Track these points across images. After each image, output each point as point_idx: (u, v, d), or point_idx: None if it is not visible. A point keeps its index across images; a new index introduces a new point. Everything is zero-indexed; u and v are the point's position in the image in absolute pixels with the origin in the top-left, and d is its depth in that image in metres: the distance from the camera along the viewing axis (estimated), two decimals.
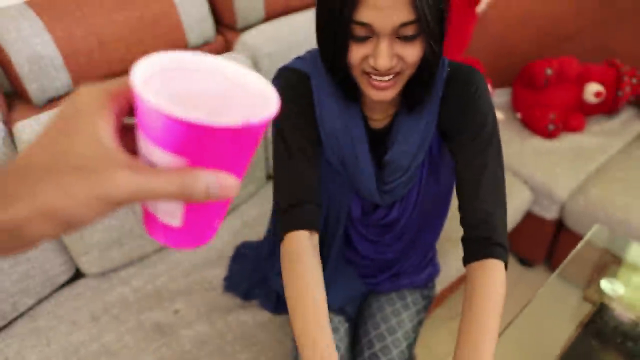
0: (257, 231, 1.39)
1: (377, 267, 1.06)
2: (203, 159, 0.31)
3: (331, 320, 1.01)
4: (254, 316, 1.21)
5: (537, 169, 1.69)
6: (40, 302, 1.24)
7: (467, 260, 0.80)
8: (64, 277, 1.28)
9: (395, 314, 1.05)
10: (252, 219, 1.47)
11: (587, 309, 0.99)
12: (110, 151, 0.30)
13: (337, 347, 0.97)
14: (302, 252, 0.78)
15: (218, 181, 0.31)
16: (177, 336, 1.17)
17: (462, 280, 1.79)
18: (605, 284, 1.04)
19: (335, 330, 1.01)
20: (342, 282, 1.04)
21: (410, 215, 0.94)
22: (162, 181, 0.30)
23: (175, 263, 1.35)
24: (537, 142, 1.79)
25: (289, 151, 0.82)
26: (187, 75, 0.33)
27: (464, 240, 0.82)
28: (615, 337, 0.94)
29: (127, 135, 0.33)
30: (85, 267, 1.28)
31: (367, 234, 0.97)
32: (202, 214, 0.35)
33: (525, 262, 1.88)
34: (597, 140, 1.80)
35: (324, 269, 0.99)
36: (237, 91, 0.34)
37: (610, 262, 1.11)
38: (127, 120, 0.33)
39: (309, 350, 0.69)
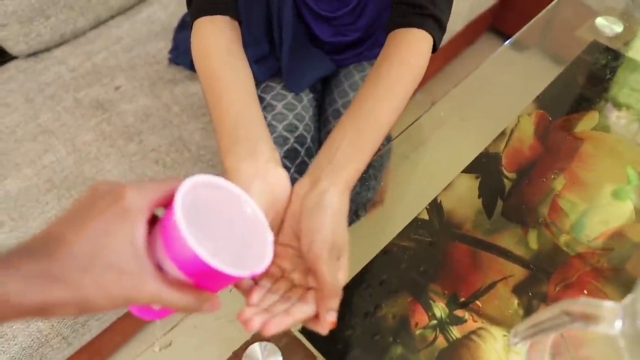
0: None
1: (341, 48, 0.91)
2: (206, 283, 0.38)
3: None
4: None
5: None
6: None
7: (390, 27, 0.64)
8: None
9: (364, 80, 0.92)
10: None
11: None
12: (142, 257, 0.34)
13: (302, 117, 0.86)
14: (214, 45, 0.61)
15: (213, 303, 0.38)
16: (118, 111, 1.06)
17: (443, 60, 1.64)
18: (601, 21, 0.89)
19: (298, 100, 0.89)
20: (308, 65, 0.90)
21: None
22: (178, 299, 0.35)
23: (115, 39, 1.19)
24: None
25: None
26: (210, 191, 0.40)
27: (393, 5, 0.66)
28: (604, 74, 0.82)
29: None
30: (9, 45, 1.12)
31: (318, 9, 0.81)
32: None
33: (517, 43, 1.71)
34: None
35: (281, 55, 0.84)
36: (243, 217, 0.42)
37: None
38: (157, 212, 0.38)
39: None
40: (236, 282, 0.40)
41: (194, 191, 0.38)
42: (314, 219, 0.47)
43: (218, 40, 0.61)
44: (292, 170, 0.80)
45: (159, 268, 0.36)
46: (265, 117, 0.84)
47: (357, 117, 0.55)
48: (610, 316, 0.38)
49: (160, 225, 0.36)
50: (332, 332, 0.55)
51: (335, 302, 0.44)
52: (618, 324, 0.37)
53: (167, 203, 0.37)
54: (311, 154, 0.84)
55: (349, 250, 0.47)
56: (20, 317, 0.31)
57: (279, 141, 0.80)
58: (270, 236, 0.42)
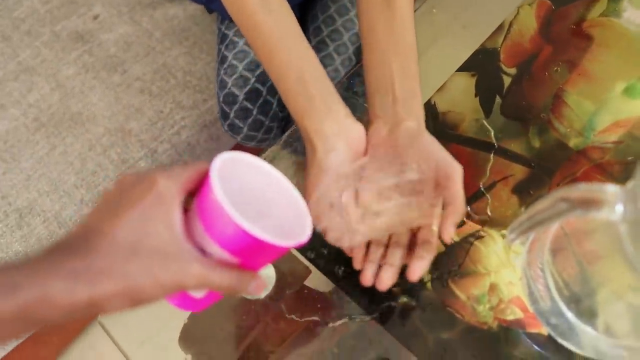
0: None
1: None
2: (251, 260, 0.37)
3: None
4: (185, 9, 1.02)
5: None
6: None
7: None
8: None
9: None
10: None
11: None
12: (181, 240, 0.34)
13: None
14: None
15: (258, 283, 0.37)
16: (98, 41, 1.01)
17: None
18: None
19: None
20: None
21: None
22: (224, 278, 0.35)
23: None
24: None
25: None
26: (241, 168, 0.39)
27: None
28: None
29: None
30: None
31: None
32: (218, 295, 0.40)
33: None
34: None
35: None
36: (276, 194, 0.41)
37: None
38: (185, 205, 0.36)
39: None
40: (281, 256, 0.39)
41: (224, 168, 0.37)
42: (422, 147, 0.50)
43: None
44: (254, 112, 0.77)
45: (201, 252, 0.36)
46: (227, 57, 0.80)
47: (389, 49, 0.53)
48: (612, 200, 0.35)
49: (198, 209, 0.36)
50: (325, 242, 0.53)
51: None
52: (619, 208, 0.34)
53: (198, 186, 0.36)
54: (274, 91, 0.80)
55: None
56: (68, 315, 0.31)
57: (239, 82, 0.77)
58: (305, 207, 0.41)
